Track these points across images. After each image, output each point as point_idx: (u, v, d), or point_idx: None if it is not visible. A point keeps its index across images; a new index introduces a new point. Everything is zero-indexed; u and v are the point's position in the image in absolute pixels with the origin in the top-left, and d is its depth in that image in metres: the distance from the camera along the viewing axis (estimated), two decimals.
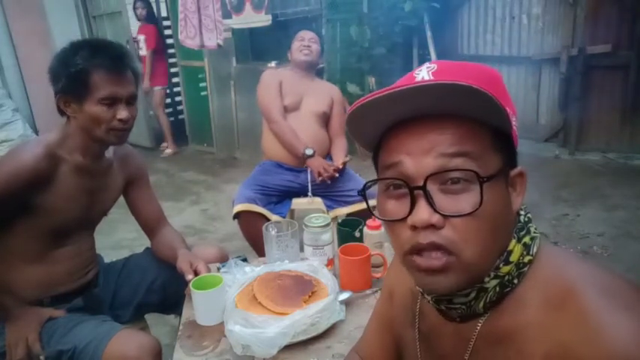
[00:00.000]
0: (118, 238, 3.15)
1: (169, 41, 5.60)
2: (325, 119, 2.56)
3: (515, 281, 0.60)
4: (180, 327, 1.27)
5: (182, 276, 1.43)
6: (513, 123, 0.60)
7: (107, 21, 5.14)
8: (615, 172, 3.98)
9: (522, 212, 0.64)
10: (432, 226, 0.56)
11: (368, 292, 1.35)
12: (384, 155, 0.61)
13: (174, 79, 5.76)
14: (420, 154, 0.56)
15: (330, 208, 2.41)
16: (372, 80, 4.74)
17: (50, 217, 1.35)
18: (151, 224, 1.64)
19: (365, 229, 1.47)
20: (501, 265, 0.60)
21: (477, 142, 0.56)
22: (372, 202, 0.65)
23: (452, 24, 4.94)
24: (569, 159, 4.32)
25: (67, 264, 1.44)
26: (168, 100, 6.12)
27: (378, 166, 0.63)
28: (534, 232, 0.63)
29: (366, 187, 0.63)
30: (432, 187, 0.56)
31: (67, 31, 4.94)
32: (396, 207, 0.59)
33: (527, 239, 0.62)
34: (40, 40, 4.89)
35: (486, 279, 0.60)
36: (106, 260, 1.70)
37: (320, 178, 2.35)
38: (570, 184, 3.75)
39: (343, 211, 2.37)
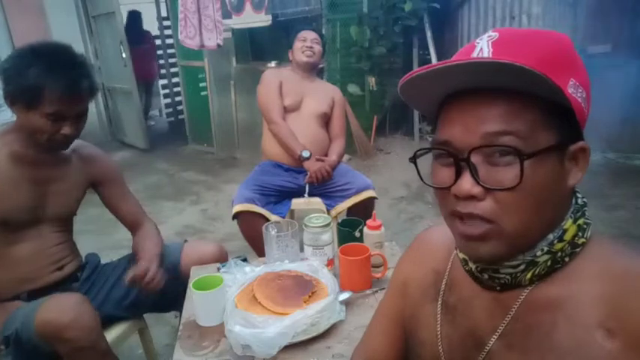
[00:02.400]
0: (118, 238, 3.14)
1: (169, 41, 5.61)
2: (325, 120, 2.56)
3: (567, 259, 0.61)
4: (180, 327, 1.27)
5: (177, 275, 1.44)
6: (577, 96, 0.58)
7: (105, 21, 5.14)
8: (615, 172, 3.98)
9: (579, 195, 0.65)
10: (473, 197, 0.58)
11: (368, 292, 1.35)
12: (439, 126, 0.62)
13: (175, 79, 5.78)
14: (469, 129, 0.58)
15: (330, 206, 2.41)
16: (372, 80, 4.74)
17: None
18: (130, 222, 1.64)
19: (365, 229, 1.47)
20: (555, 241, 0.61)
21: (528, 118, 0.56)
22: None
23: (452, 24, 4.93)
24: None
25: (28, 263, 1.43)
26: (168, 100, 6.14)
27: (435, 134, 0.64)
28: (588, 218, 0.64)
29: (416, 156, 0.66)
30: (477, 159, 0.57)
31: (67, 31, 4.95)
32: (444, 175, 0.61)
33: (581, 222, 0.63)
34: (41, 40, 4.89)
35: (538, 253, 0.61)
36: (105, 260, 1.70)
37: (314, 180, 2.36)
38: None
39: (343, 206, 2.37)
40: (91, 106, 1.44)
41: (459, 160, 0.59)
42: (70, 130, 1.33)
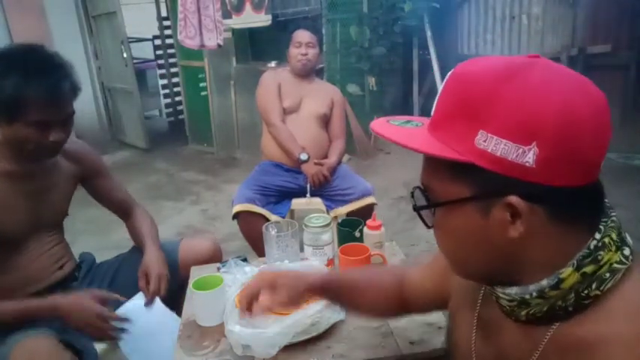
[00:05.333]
0: (118, 238, 3.14)
1: (169, 41, 5.61)
2: (325, 121, 2.56)
3: (570, 309, 0.58)
4: (180, 327, 1.27)
5: (176, 275, 1.47)
6: (489, 149, 0.55)
7: (105, 21, 5.14)
8: (615, 172, 3.98)
9: (597, 236, 0.58)
10: None
11: None
12: None
13: (175, 79, 5.78)
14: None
15: (329, 208, 2.41)
16: (372, 80, 4.74)
17: None
18: (120, 210, 1.65)
19: (365, 229, 1.47)
20: (547, 289, 0.58)
21: (438, 176, 0.62)
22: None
23: (452, 24, 4.94)
24: None
25: (29, 268, 1.41)
26: (168, 100, 6.14)
27: None
28: (616, 265, 0.57)
29: (419, 209, 0.70)
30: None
31: (67, 31, 4.94)
32: None
33: (589, 269, 0.57)
34: (40, 40, 4.87)
35: (527, 296, 0.60)
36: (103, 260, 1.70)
37: (312, 184, 2.37)
38: None
39: (343, 210, 2.37)
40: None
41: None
42: (58, 135, 1.27)
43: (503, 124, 0.54)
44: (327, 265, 1.42)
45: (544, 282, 0.59)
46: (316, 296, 1.06)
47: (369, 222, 1.47)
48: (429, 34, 4.71)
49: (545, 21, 4.40)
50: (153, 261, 1.49)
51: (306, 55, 2.46)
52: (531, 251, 0.59)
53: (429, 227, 0.67)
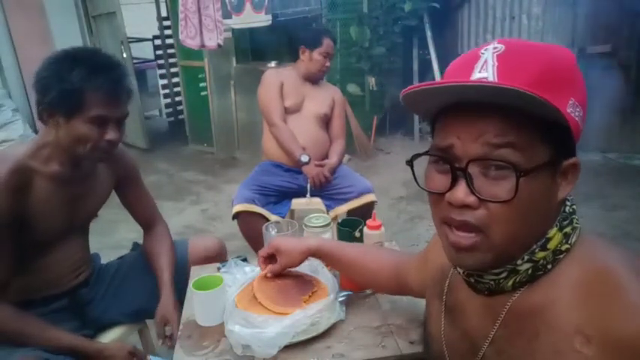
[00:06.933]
0: (118, 238, 3.15)
1: (169, 41, 5.61)
2: (326, 121, 2.57)
3: (549, 267, 0.63)
4: (181, 327, 1.27)
5: (186, 275, 1.46)
6: (575, 115, 0.59)
7: (105, 21, 5.14)
8: (615, 172, 3.98)
9: (568, 202, 0.66)
10: (466, 206, 0.59)
11: (368, 292, 1.35)
12: (438, 133, 0.64)
13: (175, 79, 5.78)
14: (469, 140, 0.59)
15: (329, 207, 2.41)
16: (372, 80, 4.74)
17: (29, 231, 1.30)
18: (144, 221, 1.67)
19: (365, 229, 1.47)
20: (537, 250, 0.62)
21: (525, 133, 0.58)
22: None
23: (452, 24, 4.93)
24: None
25: (53, 271, 1.42)
26: (168, 100, 6.14)
27: (433, 140, 0.65)
28: (576, 223, 0.65)
29: (413, 159, 0.67)
30: (474, 170, 0.59)
31: (67, 31, 4.94)
32: (439, 180, 0.63)
33: (568, 229, 0.64)
34: (40, 40, 4.89)
35: (519, 262, 0.62)
36: (105, 260, 1.69)
37: (313, 185, 2.37)
38: None
39: (342, 208, 2.37)
40: None
41: (456, 169, 0.60)
42: (114, 134, 1.29)
43: (582, 94, 0.61)
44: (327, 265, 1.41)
45: (533, 245, 0.62)
46: (314, 257, 1.22)
47: (369, 222, 1.47)
48: (429, 34, 4.71)
49: (545, 21, 4.40)
50: (170, 309, 1.47)
51: (328, 66, 2.55)
52: (552, 215, 0.63)
53: (501, 202, 0.57)
